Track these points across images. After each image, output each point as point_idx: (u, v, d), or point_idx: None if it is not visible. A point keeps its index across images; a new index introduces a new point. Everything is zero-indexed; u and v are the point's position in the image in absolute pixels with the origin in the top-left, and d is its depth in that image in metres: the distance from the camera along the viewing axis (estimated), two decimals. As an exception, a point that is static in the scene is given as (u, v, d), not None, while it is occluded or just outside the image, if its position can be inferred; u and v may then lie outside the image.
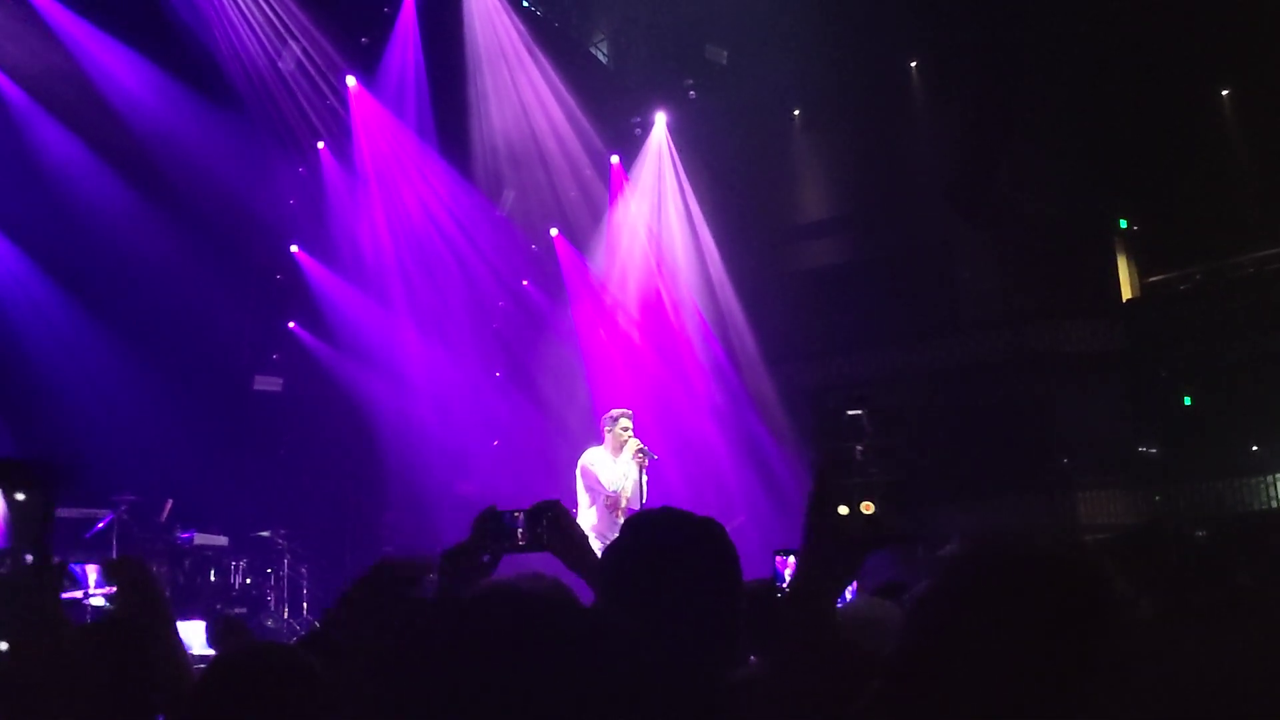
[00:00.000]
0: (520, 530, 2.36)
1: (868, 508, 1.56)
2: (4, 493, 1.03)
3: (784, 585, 3.62)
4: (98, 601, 2.79)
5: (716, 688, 1.99)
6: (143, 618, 2.86)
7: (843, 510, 1.56)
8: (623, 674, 1.01)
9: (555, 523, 2.38)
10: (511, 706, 0.97)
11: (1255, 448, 14.56)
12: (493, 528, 2.37)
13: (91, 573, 2.79)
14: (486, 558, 2.36)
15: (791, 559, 3.66)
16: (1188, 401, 15.39)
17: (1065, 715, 1.46)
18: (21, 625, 1.01)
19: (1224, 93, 15.90)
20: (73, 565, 2.75)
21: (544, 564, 1.94)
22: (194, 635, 8.58)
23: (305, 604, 11.97)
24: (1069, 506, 14.96)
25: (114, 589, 2.83)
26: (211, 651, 6.82)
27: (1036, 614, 1.53)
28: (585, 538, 2.44)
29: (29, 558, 1.01)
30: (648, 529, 2.22)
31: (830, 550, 1.57)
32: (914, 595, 1.71)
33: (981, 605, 1.55)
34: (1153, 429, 15.31)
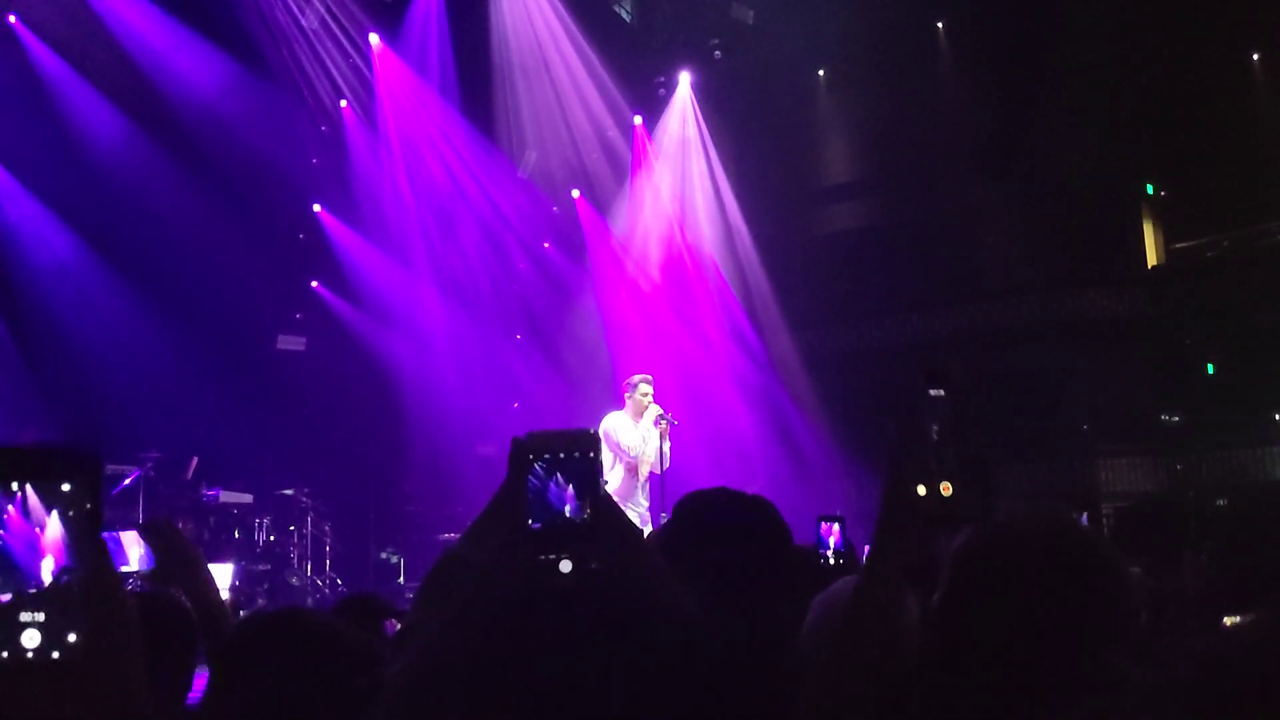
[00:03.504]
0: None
1: (946, 489, 1.56)
2: (49, 484, 1.03)
3: (827, 551, 3.64)
4: (131, 568, 2.81)
5: (783, 661, 2.01)
6: (179, 576, 2.92)
7: (920, 490, 1.56)
8: (693, 664, 1.01)
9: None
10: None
11: (1278, 416, 14.48)
12: None
13: (132, 545, 2.78)
14: None
15: (836, 526, 3.67)
16: (1211, 369, 15.28)
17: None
18: (93, 625, 1.02)
19: (1255, 57, 15.66)
20: (106, 536, 2.75)
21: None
22: (222, 578, 8.84)
23: (328, 561, 12.10)
24: (1089, 474, 14.93)
25: (146, 567, 2.87)
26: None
27: (1047, 592, 1.59)
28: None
29: (82, 562, 1.01)
30: (700, 509, 2.20)
31: (907, 531, 1.58)
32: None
33: (998, 591, 1.59)
34: (1175, 397, 15.22)
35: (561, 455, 1.33)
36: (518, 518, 1.29)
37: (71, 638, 0.99)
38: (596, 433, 1.35)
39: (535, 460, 1.33)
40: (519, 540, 1.29)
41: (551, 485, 1.31)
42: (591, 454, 1.32)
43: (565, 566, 1.27)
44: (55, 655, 0.98)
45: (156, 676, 2.67)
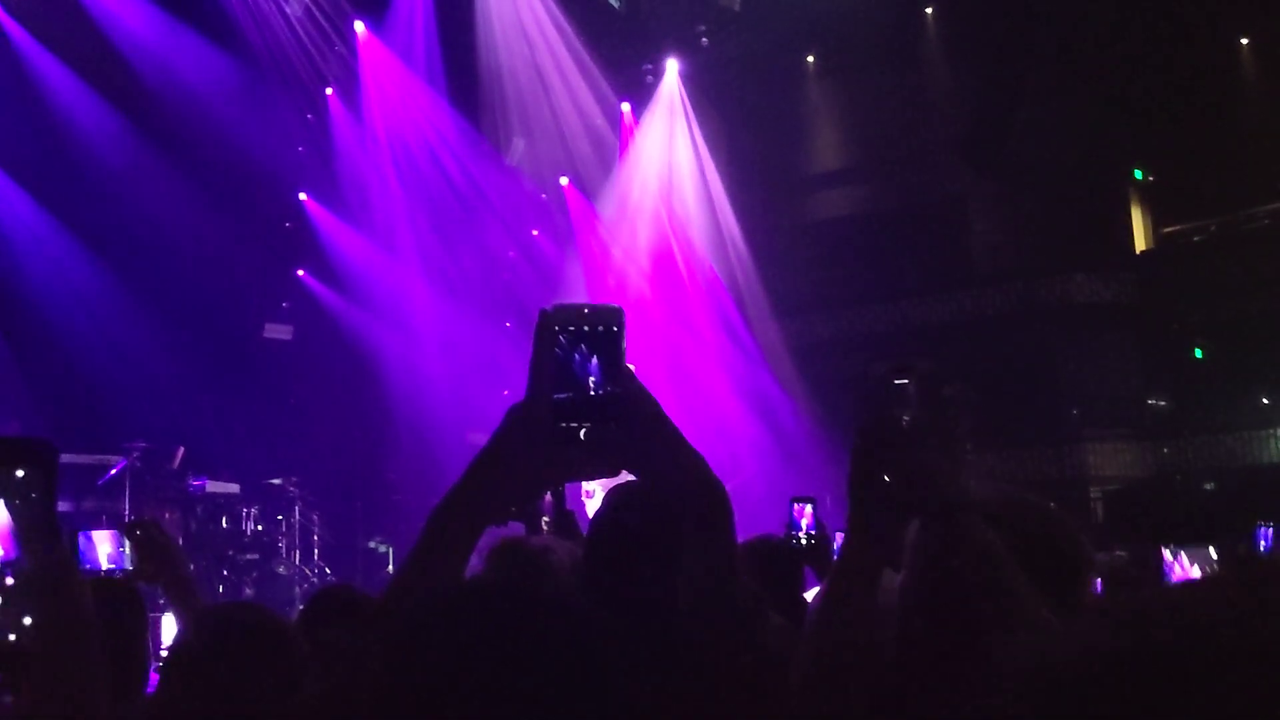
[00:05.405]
0: None
1: (916, 475, 1.55)
2: (3, 473, 1.03)
3: (799, 533, 3.64)
4: (102, 567, 2.80)
5: (733, 651, 1.99)
6: (159, 575, 2.92)
7: (887, 479, 1.55)
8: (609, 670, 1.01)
9: None
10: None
11: (1265, 401, 14.53)
12: None
13: (103, 544, 2.76)
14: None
15: (809, 507, 3.67)
16: (1198, 354, 15.31)
17: None
18: (47, 614, 1.02)
19: (1243, 41, 15.64)
20: (80, 534, 2.79)
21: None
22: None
23: (316, 550, 12.09)
24: (1078, 458, 14.97)
25: (118, 565, 2.87)
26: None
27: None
28: None
29: (34, 555, 1.01)
30: (628, 501, 2.18)
31: (876, 520, 1.56)
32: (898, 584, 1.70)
33: (953, 587, 1.57)
34: (1163, 381, 15.26)
35: (586, 328, 1.31)
36: (541, 388, 1.29)
37: (27, 621, 0.99)
38: (620, 308, 1.34)
39: (560, 332, 1.32)
40: (541, 409, 1.28)
41: (575, 356, 1.30)
42: (615, 327, 1.31)
43: (583, 435, 1.28)
44: (11, 638, 0.99)
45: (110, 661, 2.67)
